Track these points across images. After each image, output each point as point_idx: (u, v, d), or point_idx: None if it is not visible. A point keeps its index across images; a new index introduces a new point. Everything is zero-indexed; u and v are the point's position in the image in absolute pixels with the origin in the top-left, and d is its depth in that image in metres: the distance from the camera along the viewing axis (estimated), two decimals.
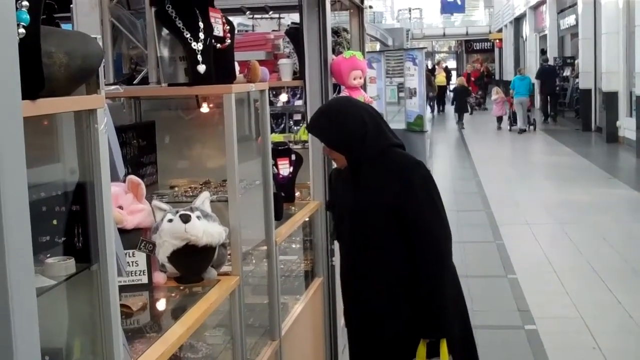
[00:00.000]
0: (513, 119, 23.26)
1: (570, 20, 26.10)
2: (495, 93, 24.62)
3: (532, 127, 23.03)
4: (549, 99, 25.93)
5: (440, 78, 31.13)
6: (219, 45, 3.24)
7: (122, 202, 2.95)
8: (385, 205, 3.21)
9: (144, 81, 3.40)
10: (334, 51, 5.31)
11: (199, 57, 3.11)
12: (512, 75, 27.13)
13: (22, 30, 1.50)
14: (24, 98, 1.46)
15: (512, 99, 23.31)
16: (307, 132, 3.50)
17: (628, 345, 5.78)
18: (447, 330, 3.23)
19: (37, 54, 1.57)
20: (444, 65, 39.05)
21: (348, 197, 3.32)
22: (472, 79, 33.03)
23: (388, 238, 3.24)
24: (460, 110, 26.03)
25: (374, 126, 3.28)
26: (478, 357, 3.47)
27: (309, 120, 3.47)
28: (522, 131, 22.55)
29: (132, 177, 3.03)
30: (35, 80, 1.57)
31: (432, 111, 27.07)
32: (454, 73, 42.30)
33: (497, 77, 41.46)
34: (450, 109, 31.53)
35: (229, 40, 3.33)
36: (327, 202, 3.67)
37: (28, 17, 1.52)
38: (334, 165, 4.47)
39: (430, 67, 33.44)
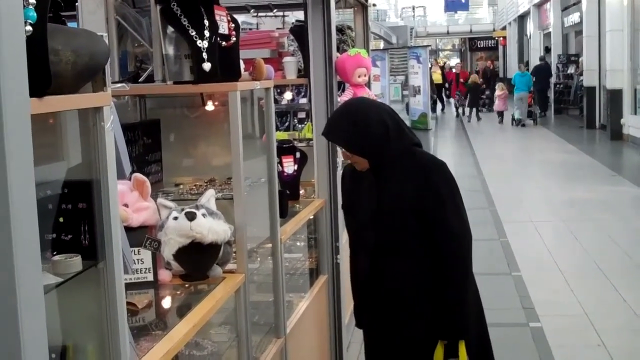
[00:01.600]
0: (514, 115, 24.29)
1: (574, 17, 26.06)
2: (500, 89, 25.39)
3: (532, 121, 23.92)
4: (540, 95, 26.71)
5: (435, 76, 30.57)
6: (224, 43, 3.24)
7: (127, 200, 2.96)
8: (409, 205, 3.15)
9: (150, 79, 3.41)
10: (338, 49, 5.31)
11: (204, 55, 3.11)
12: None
13: (29, 28, 1.50)
14: (31, 96, 1.46)
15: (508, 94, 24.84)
16: (323, 136, 3.38)
17: (633, 343, 5.76)
18: (467, 332, 3.21)
19: (44, 51, 1.57)
20: (441, 62, 38.48)
21: (370, 199, 3.24)
22: (462, 80, 30.40)
23: (411, 240, 3.19)
24: (473, 105, 26.92)
25: (395, 126, 3.20)
26: (493, 356, 3.45)
27: (324, 126, 3.37)
28: (520, 123, 23.47)
29: (137, 175, 3.04)
30: (43, 77, 1.57)
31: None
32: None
33: (501, 75, 41.40)
34: (447, 107, 31.55)
35: (234, 38, 3.33)
36: (343, 203, 3.59)
37: (35, 14, 1.52)
38: (339, 162, 4.46)
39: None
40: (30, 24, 1.51)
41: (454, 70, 31.75)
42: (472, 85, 27.65)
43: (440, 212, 3.15)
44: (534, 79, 25.61)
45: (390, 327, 3.29)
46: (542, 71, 26.56)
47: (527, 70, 26.69)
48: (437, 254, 3.17)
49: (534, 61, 31.76)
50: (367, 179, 3.27)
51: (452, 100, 31.68)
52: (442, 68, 33.60)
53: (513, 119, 23.96)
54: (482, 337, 3.38)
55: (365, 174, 3.27)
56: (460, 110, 28.58)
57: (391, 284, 3.24)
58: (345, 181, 3.52)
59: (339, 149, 4.62)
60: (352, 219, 3.44)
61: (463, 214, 3.22)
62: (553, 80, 27.49)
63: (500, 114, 25.03)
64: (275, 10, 6.70)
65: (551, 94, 27.64)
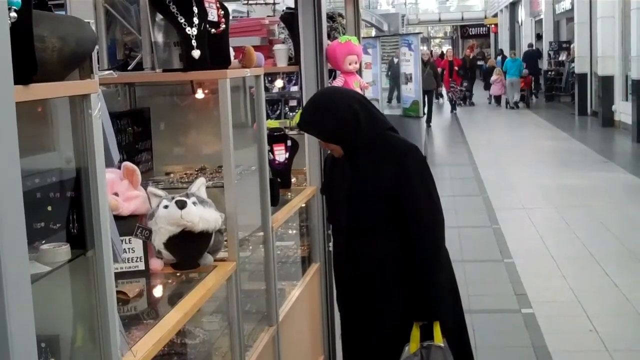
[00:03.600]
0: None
1: (565, 4, 26.08)
2: (496, 74, 26.31)
3: (524, 104, 25.54)
4: (532, 79, 27.55)
5: None
6: (213, 30, 3.22)
7: (117, 189, 2.94)
8: (381, 190, 3.22)
9: (138, 67, 3.38)
10: (329, 36, 5.28)
11: (194, 42, 3.09)
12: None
13: (13, 15, 1.48)
14: (16, 83, 1.45)
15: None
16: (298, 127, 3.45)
17: (624, 328, 5.79)
18: (441, 313, 3.26)
19: (29, 38, 1.56)
20: (435, 51, 37.75)
21: (345, 182, 3.32)
22: (456, 67, 27.00)
23: (383, 223, 3.26)
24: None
25: (365, 112, 3.28)
26: (469, 340, 3.50)
27: (300, 117, 3.45)
28: (514, 105, 25.06)
29: (127, 163, 3.02)
30: (28, 64, 1.55)
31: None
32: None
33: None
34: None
35: (224, 25, 3.30)
36: (322, 187, 3.67)
37: (19, 1, 1.50)
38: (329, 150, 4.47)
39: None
40: (15, 10, 1.49)
41: (448, 58, 27.96)
42: (490, 69, 28.16)
43: (411, 197, 3.22)
44: (524, 65, 26.12)
45: (363, 309, 3.35)
46: (529, 56, 27.55)
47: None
48: (408, 237, 3.22)
49: (525, 48, 31.81)
50: (341, 162, 3.35)
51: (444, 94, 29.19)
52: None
53: (507, 102, 25.31)
54: (457, 320, 3.44)
55: (342, 160, 3.34)
56: (454, 103, 26.40)
57: (365, 266, 3.31)
58: (326, 166, 3.62)
59: None
60: (329, 202, 3.56)
61: (435, 198, 3.28)
62: (544, 66, 27.62)
63: (498, 98, 26.32)
64: None
65: (542, 80, 27.78)
